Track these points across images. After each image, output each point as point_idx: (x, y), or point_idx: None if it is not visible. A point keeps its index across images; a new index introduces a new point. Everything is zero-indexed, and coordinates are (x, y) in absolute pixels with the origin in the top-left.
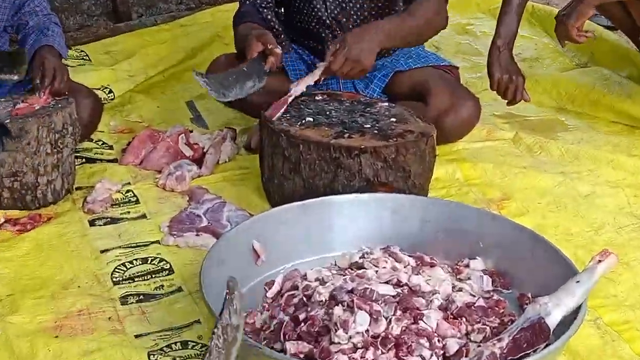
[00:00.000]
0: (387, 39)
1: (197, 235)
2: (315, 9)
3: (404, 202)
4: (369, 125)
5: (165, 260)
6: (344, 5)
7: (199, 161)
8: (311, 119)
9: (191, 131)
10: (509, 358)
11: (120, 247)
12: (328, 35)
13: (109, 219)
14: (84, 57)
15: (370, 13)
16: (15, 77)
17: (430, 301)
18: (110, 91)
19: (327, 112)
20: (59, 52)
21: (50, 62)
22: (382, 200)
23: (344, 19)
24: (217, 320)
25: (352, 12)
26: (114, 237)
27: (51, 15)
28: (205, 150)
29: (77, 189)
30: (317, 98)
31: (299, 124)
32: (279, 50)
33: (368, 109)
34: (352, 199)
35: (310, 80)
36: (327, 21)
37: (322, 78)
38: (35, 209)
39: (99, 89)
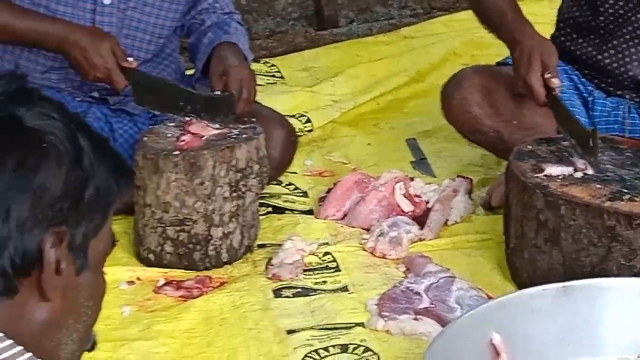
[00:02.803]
0: None
1: (415, 319)
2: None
3: None
4: None
5: (372, 351)
6: None
7: (420, 220)
8: (579, 174)
9: (412, 179)
10: None
11: (312, 328)
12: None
13: (299, 290)
14: (275, 74)
15: None
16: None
17: None
18: (308, 120)
19: (601, 164)
20: (244, 54)
21: (235, 68)
22: None
23: None
24: None
25: None
26: (305, 315)
27: (233, 14)
28: (429, 205)
29: (259, 246)
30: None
31: (560, 177)
32: None
33: None
34: (630, 284)
35: None
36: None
37: None
38: (204, 270)
39: (293, 116)
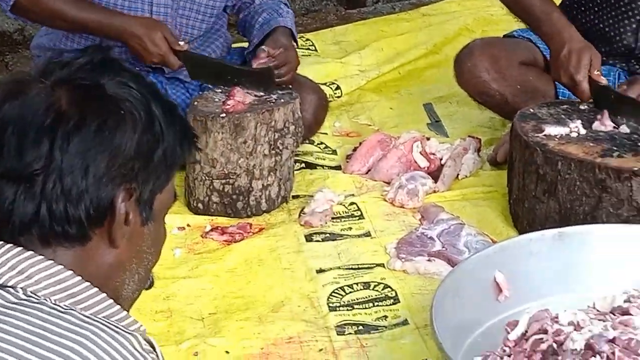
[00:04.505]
0: None
1: (428, 260)
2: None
3: None
4: None
5: (391, 287)
6: None
7: (434, 174)
8: (574, 133)
9: (428, 139)
10: None
11: (339, 267)
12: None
13: (328, 235)
14: (310, 47)
15: None
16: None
17: None
18: (338, 87)
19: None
20: (294, 38)
21: (286, 49)
22: None
23: None
24: None
25: None
26: (333, 256)
27: None
28: (443, 162)
29: (293, 197)
30: (581, 107)
31: (558, 137)
32: None
33: None
34: (618, 230)
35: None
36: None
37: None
38: (245, 217)
39: (325, 84)
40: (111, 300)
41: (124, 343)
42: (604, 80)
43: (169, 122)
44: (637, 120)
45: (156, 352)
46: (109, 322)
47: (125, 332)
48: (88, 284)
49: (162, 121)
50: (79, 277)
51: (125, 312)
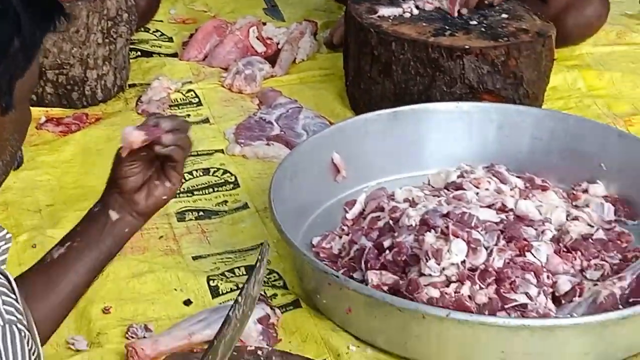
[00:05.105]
0: None
1: (267, 144)
2: None
3: (513, 114)
4: (475, 22)
5: (230, 172)
6: None
7: (272, 59)
8: (407, 13)
9: (264, 23)
10: (632, 300)
11: None
12: None
13: None
14: None
15: None
16: None
17: (541, 231)
18: None
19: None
20: None
21: None
22: (487, 111)
23: None
24: (242, 289)
25: None
26: None
27: None
28: (279, 46)
29: (130, 86)
30: None
31: (391, 18)
32: None
33: None
34: (451, 108)
35: None
36: None
37: None
38: (81, 108)
39: None
40: None
41: None
42: None
43: (25, 5)
44: None
45: (12, 285)
46: None
47: None
48: None
49: (17, 7)
50: None
51: None
